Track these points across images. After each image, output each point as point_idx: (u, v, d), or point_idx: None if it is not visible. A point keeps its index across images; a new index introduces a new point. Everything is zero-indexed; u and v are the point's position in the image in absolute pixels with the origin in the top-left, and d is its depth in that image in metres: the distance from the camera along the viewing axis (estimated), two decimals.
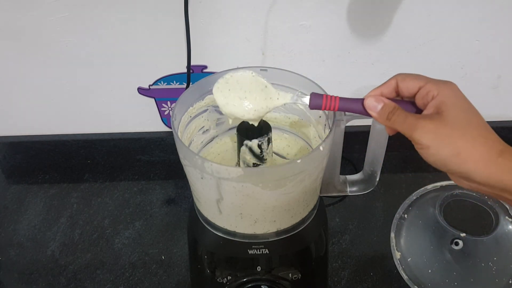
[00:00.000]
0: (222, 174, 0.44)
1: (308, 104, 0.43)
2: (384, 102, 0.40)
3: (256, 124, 0.47)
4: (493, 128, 0.37)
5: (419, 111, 0.41)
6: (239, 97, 0.45)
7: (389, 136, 0.54)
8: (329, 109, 0.42)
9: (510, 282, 0.59)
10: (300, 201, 0.50)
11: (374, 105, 0.41)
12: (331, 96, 0.42)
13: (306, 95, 0.43)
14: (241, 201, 0.47)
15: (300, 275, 0.54)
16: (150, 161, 0.80)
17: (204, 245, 0.55)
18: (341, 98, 0.42)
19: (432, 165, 0.38)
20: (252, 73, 0.45)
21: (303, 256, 0.55)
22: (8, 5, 0.60)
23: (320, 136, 0.55)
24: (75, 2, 0.60)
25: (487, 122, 0.38)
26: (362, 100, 0.42)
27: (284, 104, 0.45)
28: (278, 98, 0.45)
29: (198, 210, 0.54)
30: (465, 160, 0.36)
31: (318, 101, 0.42)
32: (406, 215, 0.67)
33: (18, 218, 0.72)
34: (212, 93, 0.53)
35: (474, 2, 0.62)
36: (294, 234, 0.53)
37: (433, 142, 0.37)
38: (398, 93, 0.42)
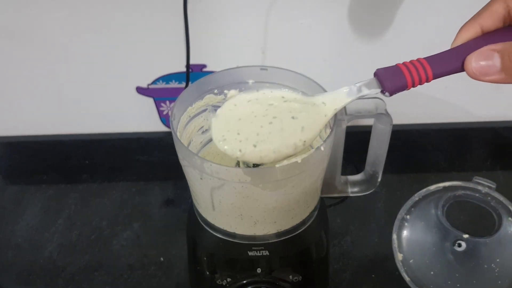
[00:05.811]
0: (222, 174, 0.43)
1: (381, 91, 0.28)
2: (496, 49, 0.25)
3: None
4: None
5: None
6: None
7: (391, 136, 0.53)
8: (420, 84, 0.28)
9: None
10: (301, 202, 0.50)
11: (485, 67, 0.25)
12: (416, 64, 0.27)
13: (369, 85, 0.28)
14: (241, 202, 0.46)
15: (300, 277, 0.54)
16: (149, 162, 0.79)
17: (203, 246, 0.54)
18: (430, 64, 0.27)
19: None
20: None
21: (304, 258, 0.55)
22: (6, 4, 0.60)
23: (320, 136, 0.54)
24: (74, 1, 0.60)
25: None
26: (457, 52, 0.27)
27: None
28: (324, 104, 0.29)
29: (197, 211, 0.54)
30: None
31: (400, 81, 0.27)
32: (408, 216, 0.67)
33: (16, 219, 0.71)
34: (211, 93, 0.53)
35: (474, 2, 0.61)
36: (295, 236, 0.52)
37: None
38: (510, 21, 0.27)
